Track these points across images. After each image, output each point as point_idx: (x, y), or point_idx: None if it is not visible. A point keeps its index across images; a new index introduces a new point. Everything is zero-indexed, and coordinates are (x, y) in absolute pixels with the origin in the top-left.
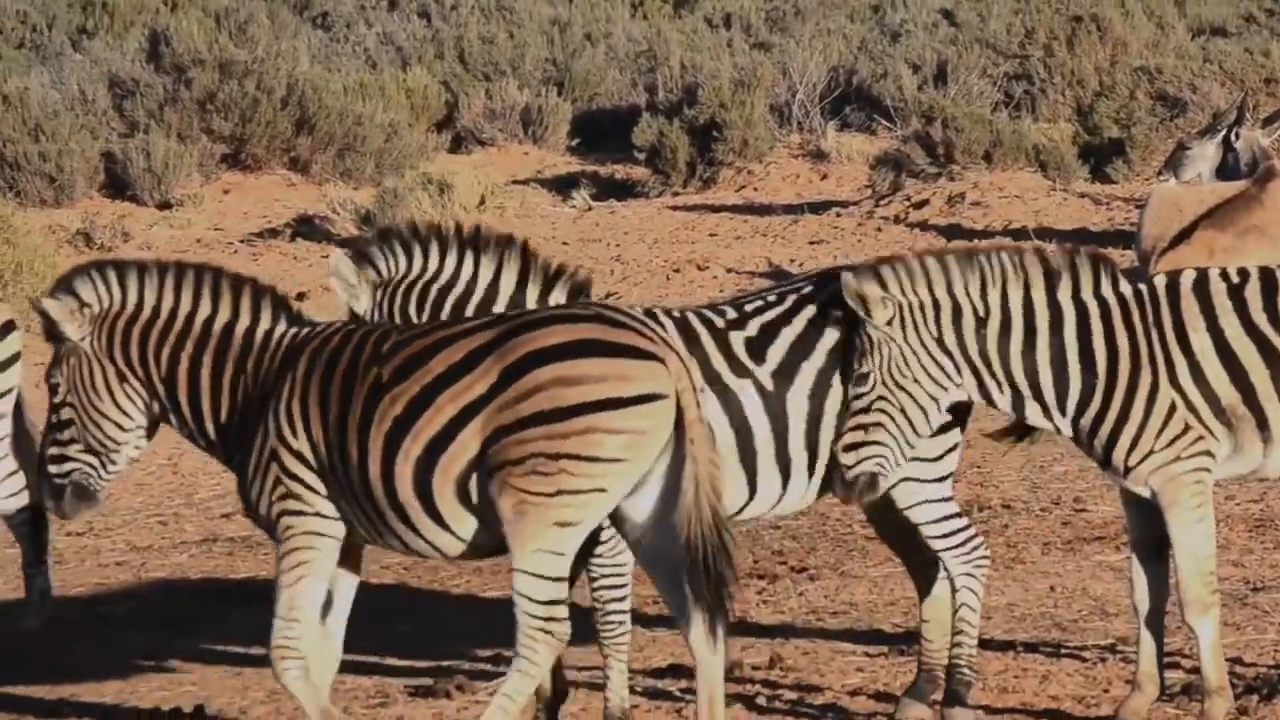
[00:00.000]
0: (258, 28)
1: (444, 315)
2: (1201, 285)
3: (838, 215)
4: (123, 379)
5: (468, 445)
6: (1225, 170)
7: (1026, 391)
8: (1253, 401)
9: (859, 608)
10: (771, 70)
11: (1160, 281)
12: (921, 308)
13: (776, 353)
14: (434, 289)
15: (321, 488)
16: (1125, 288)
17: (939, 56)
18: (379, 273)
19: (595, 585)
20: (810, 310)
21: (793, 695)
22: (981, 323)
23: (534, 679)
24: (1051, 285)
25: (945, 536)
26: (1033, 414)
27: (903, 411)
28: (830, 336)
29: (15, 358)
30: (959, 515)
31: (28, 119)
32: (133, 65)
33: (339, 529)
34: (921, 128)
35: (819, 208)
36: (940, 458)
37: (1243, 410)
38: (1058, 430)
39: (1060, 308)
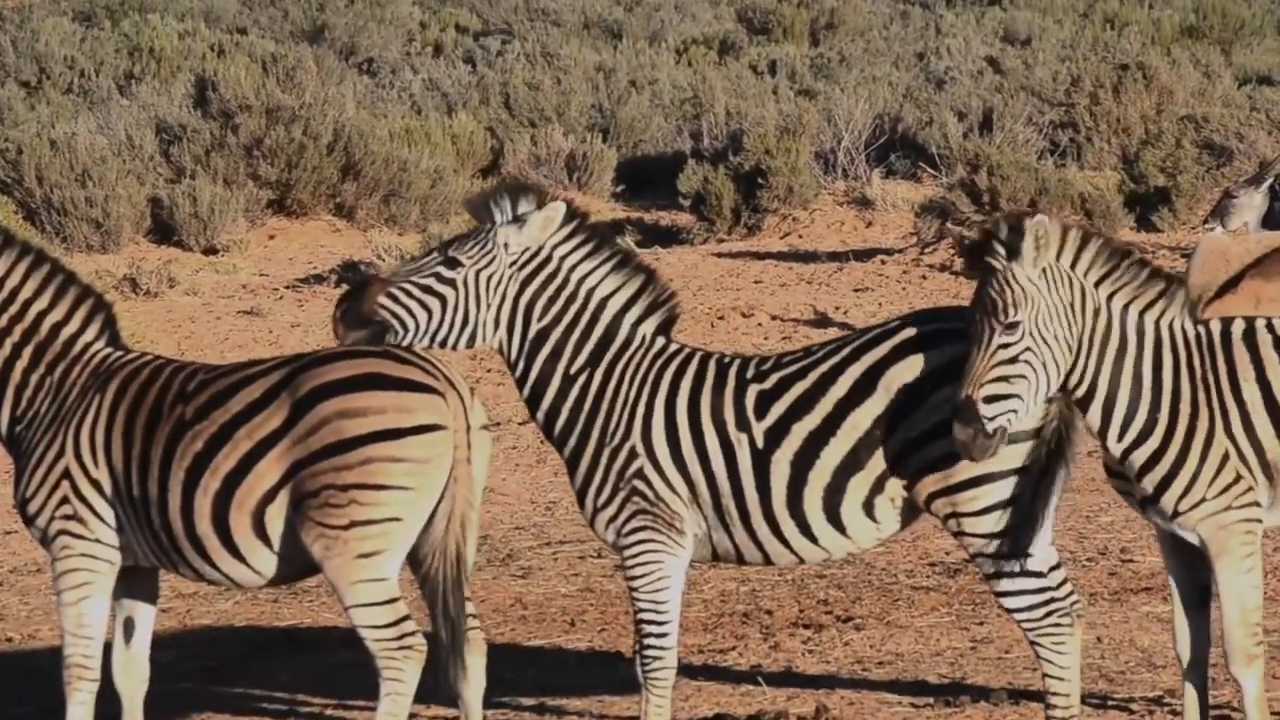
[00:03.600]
0: (304, 74)
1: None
2: (1250, 336)
3: (883, 262)
4: None
5: (264, 478)
6: (1272, 219)
7: (1100, 397)
8: None
9: (905, 658)
10: (817, 117)
11: (1216, 327)
12: (1063, 275)
13: (777, 410)
14: (554, 280)
15: (110, 518)
16: (1190, 328)
17: (984, 104)
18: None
19: (636, 620)
20: (834, 366)
21: None
22: (1096, 314)
23: (406, 698)
24: (1158, 307)
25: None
26: (1093, 418)
27: (1044, 367)
28: (836, 393)
29: None
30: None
31: (75, 164)
32: (180, 111)
33: (116, 556)
34: (967, 175)
35: (864, 255)
36: None
37: None
38: (1105, 449)
39: (1160, 333)
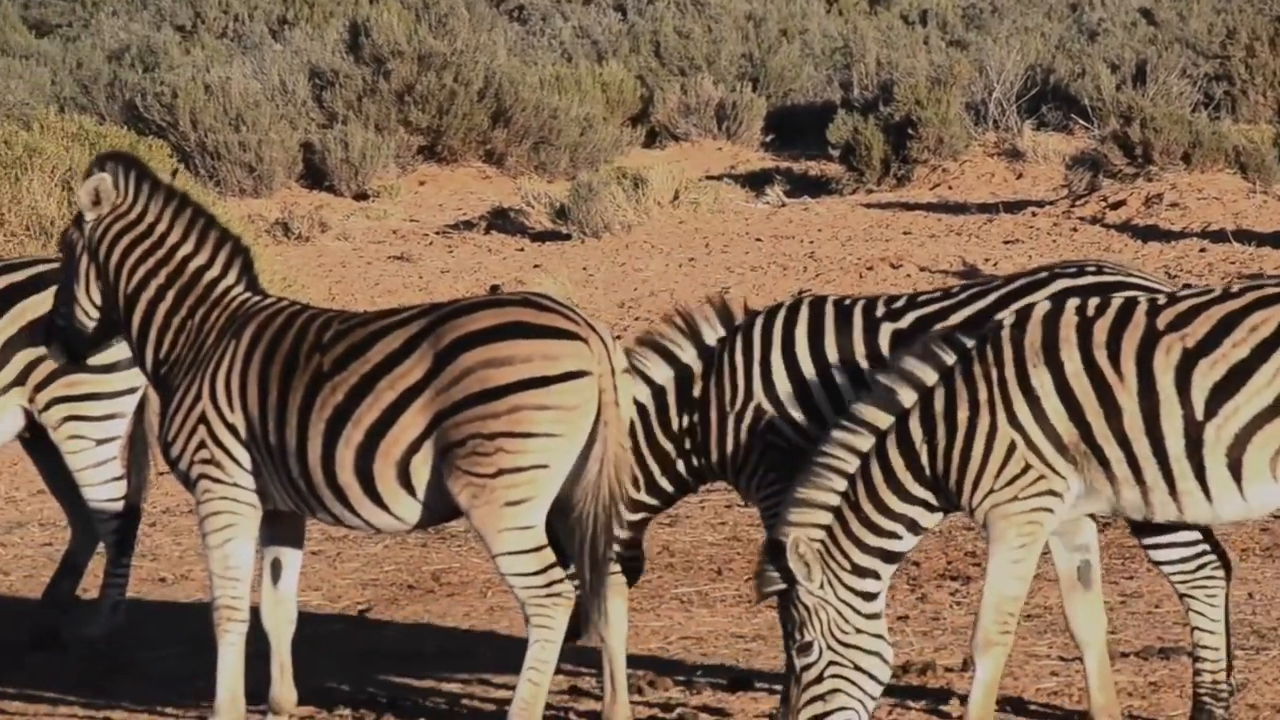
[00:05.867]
0: (457, 20)
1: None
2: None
3: (1033, 215)
4: (97, 278)
5: (408, 429)
6: None
7: None
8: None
9: (1052, 611)
10: (968, 68)
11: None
12: None
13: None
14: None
15: (247, 462)
16: None
17: (1138, 56)
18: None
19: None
20: (971, 311)
21: None
22: None
23: (555, 644)
24: None
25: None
26: None
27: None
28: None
29: None
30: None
31: (229, 109)
32: (332, 56)
33: (256, 499)
34: (1119, 127)
35: (1014, 207)
36: None
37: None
38: None
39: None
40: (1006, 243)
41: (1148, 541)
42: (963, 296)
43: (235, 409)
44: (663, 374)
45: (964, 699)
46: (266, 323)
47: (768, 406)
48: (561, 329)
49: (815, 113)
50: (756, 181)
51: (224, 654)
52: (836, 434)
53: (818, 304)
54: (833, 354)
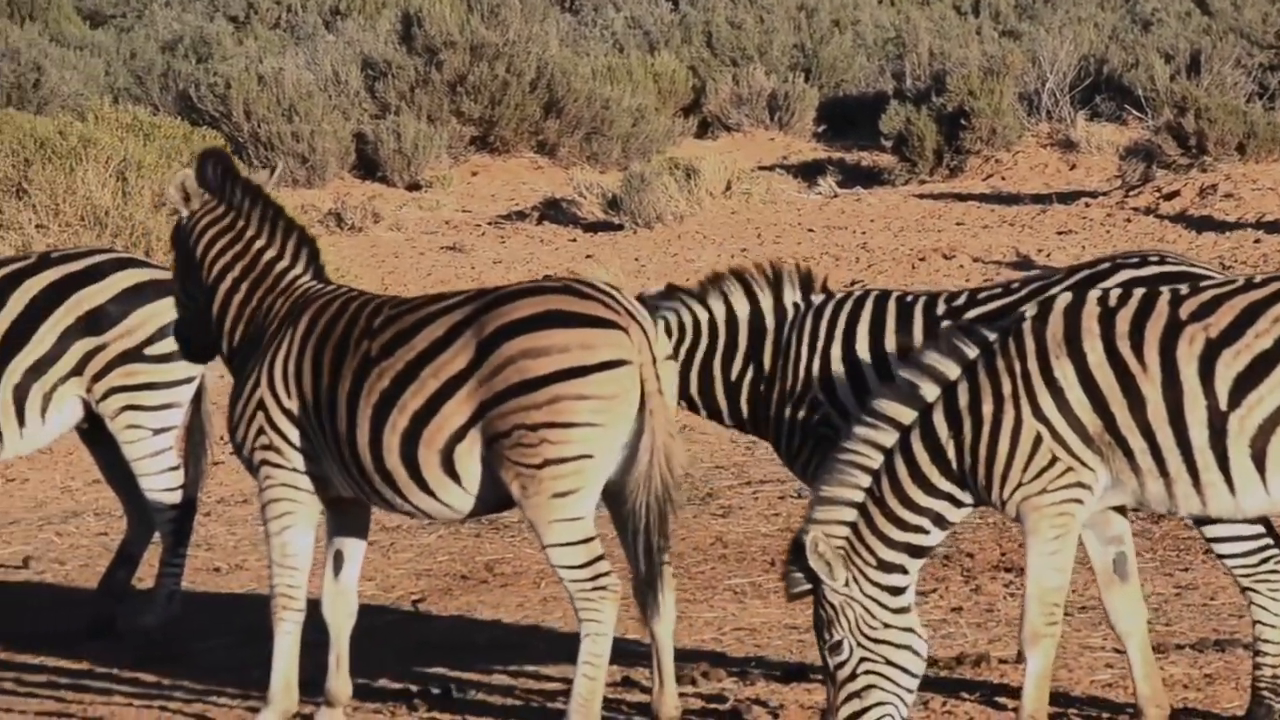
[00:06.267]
0: (509, 11)
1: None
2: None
3: (1086, 205)
4: (191, 270)
5: (451, 418)
6: None
7: None
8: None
9: None
10: (1021, 58)
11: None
12: None
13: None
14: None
15: (305, 448)
16: None
17: (1192, 46)
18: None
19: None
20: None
21: None
22: None
23: (607, 638)
24: None
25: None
26: None
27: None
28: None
29: None
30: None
31: (281, 99)
32: (385, 47)
33: (315, 486)
34: (1173, 118)
35: (1067, 198)
36: None
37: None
38: None
39: None
40: (1060, 233)
41: (1210, 534)
42: (1023, 293)
43: (292, 394)
44: (742, 309)
45: (1018, 691)
46: (322, 309)
47: (823, 397)
48: (600, 317)
49: (868, 103)
50: (809, 172)
51: (279, 642)
52: (859, 430)
53: (881, 298)
54: (892, 349)
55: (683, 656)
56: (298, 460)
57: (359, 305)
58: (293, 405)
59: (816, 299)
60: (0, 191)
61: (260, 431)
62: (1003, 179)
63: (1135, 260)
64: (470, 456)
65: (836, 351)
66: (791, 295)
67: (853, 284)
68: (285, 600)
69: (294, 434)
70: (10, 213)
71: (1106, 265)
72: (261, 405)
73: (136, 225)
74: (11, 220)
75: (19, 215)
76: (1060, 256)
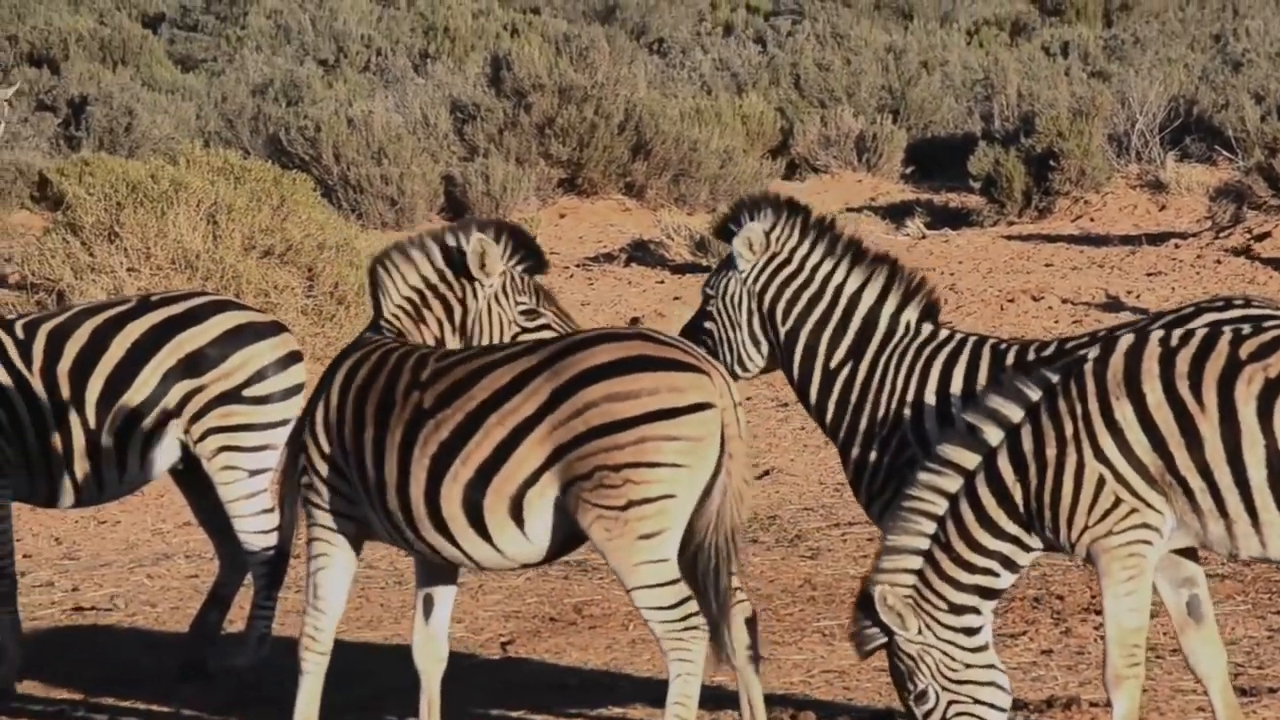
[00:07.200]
0: (597, 54)
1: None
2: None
3: (1176, 247)
4: None
5: (523, 464)
6: None
7: None
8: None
9: None
10: (1110, 99)
11: None
12: None
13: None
14: (794, 282)
15: (345, 490)
16: None
17: None
18: (767, 244)
19: None
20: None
21: None
22: None
23: (697, 678)
24: None
25: None
26: None
27: None
28: None
29: (298, 388)
30: None
31: (371, 142)
32: (474, 89)
33: (353, 529)
34: (1264, 159)
35: (1157, 239)
36: None
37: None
38: None
39: None
40: (1149, 275)
41: None
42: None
43: (332, 441)
44: (866, 304)
45: None
46: (360, 361)
47: (911, 439)
48: (683, 361)
49: (956, 144)
50: (897, 213)
51: (301, 682)
52: (923, 476)
53: (978, 346)
54: None
55: (771, 699)
56: (336, 503)
57: (400, 356)
58: (333, 451)
59: (926, 328)
60: (93, 235)
61: (303, 471)
62: (1091, 220)
63: (1219, 304)
64: (542, 500)
65: (930, 395)
66: (912, 314)
67: (940, 326)
68: (309, 642)
69: (333, 477)
70: (102, 256)
71: (1190, 310)
72: (304, 446)
73: (227, 268)
74: (104, 264)
75: (111, 259)
76: (1149, 298)
